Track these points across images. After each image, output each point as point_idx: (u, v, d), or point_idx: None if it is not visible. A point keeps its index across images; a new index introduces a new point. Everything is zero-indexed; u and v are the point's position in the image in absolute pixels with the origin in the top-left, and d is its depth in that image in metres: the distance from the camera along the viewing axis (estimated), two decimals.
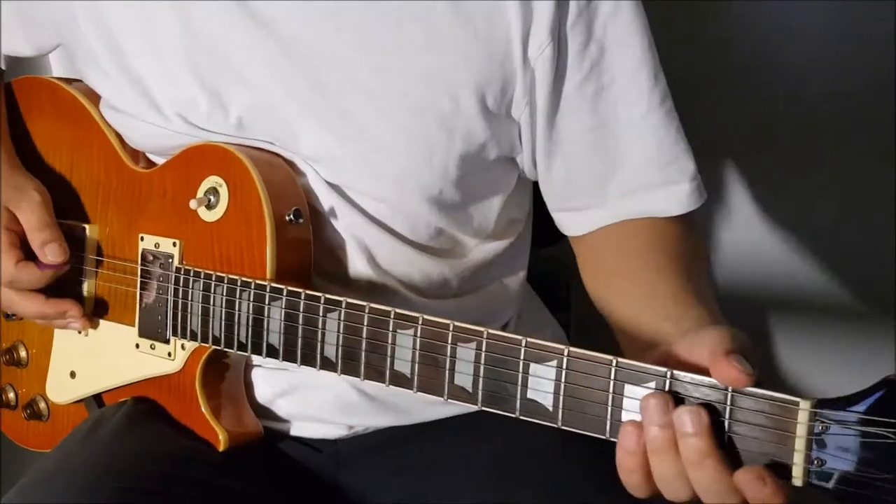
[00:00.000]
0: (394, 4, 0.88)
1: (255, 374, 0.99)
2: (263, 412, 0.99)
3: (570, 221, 0.97)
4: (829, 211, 1.42)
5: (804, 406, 0.63)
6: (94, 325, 1.01)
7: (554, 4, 0.87)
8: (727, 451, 0.66)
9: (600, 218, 0.95)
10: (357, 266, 0.94)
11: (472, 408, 0.77)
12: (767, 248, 1.47)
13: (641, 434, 0.68)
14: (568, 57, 0.89)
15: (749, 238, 1.48)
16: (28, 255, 0.97)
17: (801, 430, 0.63)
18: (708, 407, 0.66)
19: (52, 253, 0.96)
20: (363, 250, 0.94)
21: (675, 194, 0.93)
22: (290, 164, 0.93)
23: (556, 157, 0.93)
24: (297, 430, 1.01)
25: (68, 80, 1.05)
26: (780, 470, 0.64)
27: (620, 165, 0.92)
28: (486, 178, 0.95)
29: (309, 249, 0.91)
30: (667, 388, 0.68)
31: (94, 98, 1.01)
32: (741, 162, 1.44)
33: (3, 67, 1.09)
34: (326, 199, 0.93)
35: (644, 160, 0.92)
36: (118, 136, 1.00)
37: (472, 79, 0.88)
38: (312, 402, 0.98)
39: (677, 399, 0.67)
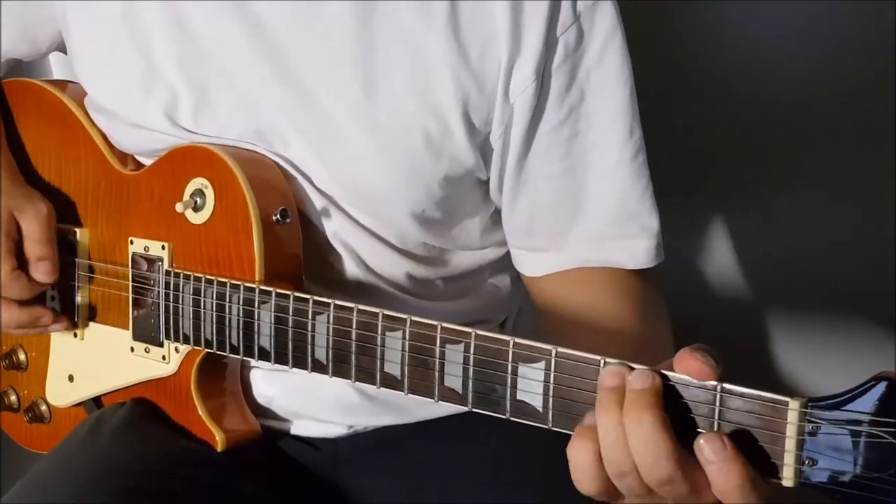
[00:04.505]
0: (390, 24, 0.86)
1: (255, 374, 0.98)
2: (263, 411, 0.99)
3: (528, 261, 0.96)
4: (829, 210, 1.40)
5: (793, 405, 0.62)
6: (77, 327, 1.01)
7: (543, 44, 0.85)
8: None
9: (557, 263, 0.94)
10: (347, 270, 0.94)
11: None
12: (766, 247, 1.45)
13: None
14: (548, 99, 0.87)
15: (748, 237, 1.46)
16: (21, 263, 0.97)
17: (790, 430, 0.62)
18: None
19: (43, 270, 0.96)
20: (352, 255, 0.93)
21: (631, 249, 0.92)
22: (279, 165, 0.91)
23: (522, 194, 0.92)
24: (296, 429, 1.00)
25: (55, 83, 1.04)
26: (771, 470, 0.63)
27: (583, 212, 0.91)
28: (469, 199, 0.94)
29: (298, 249, 0.90)
30: None
31: (81, 100, 1.00)
32: (740, 160, 1.43)
33: (1, 74, 1.08)
34: (315, 203, 0.92)
35: (607, 211, 0.91)
36: (105, 138, 0.99)
37: (460, 105, 0.87)
38: (312, 401, 0.98)
39: (667, 399, 0.65)
